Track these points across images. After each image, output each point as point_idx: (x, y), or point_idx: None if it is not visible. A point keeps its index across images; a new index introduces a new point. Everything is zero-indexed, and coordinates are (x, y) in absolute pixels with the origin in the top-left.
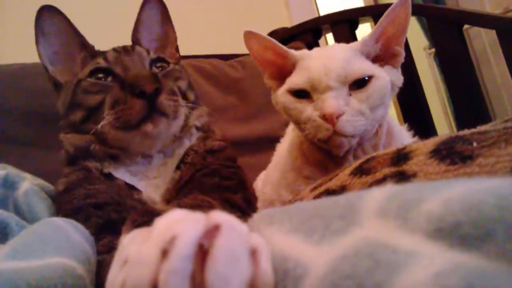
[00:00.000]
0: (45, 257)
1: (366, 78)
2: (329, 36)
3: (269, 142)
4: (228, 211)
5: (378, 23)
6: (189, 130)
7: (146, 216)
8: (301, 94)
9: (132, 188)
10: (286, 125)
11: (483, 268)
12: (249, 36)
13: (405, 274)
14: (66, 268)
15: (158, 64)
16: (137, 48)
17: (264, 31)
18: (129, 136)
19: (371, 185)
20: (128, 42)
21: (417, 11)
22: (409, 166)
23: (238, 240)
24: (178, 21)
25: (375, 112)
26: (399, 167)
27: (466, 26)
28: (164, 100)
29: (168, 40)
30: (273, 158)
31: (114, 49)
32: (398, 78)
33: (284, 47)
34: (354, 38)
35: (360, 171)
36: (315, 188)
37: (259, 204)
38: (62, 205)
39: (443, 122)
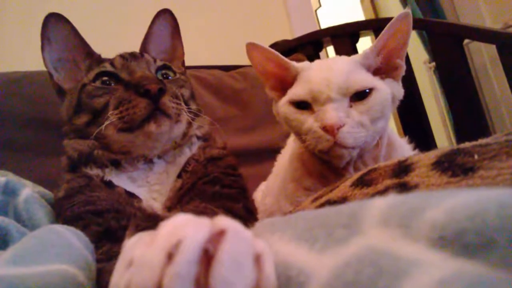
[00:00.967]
0: (46, 264)
1: (367, 90)
2: (330, 49)
3: (269, 153)
4: None
5: (380, 36)
6: (190, 139)
7: (150, 221)
8: (302, 105)
9: (132, 196)
10: (286, 136)
11: (486, 276)
12: (251, 47)
13: (408, 282)
14: (67, 275)
15: (164, 71)
16: (145, 55)
17: (265, 43)
18: (132, 137)
19: (373, 196)
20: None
21: (417, 25)
22: (411, 178)
23: (243, 246)
24: (181, 32)
25: (375, 124)
26: (400, 178)
27: (466, 41)
28: (167, 101)
29: (175, 54)
30: (274, 169)
31: (121, 55)
32: (398, 91)
33: (286, 59)
34: (355, 51)
35: (361, 182)
36: (316, 199)
37: (259, 215)
38: (62, 211)
39: (443, 136)
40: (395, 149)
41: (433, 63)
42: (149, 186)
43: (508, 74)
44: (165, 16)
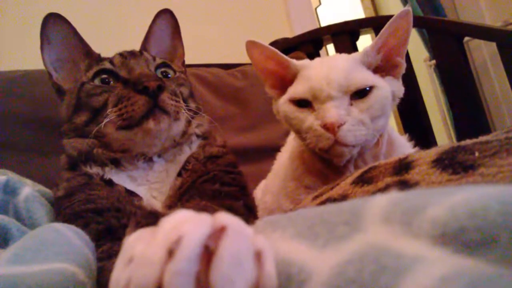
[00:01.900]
0: (46, 262)
1: (367, 88)
2: (330, 47)
3: (269, 151)
4: None
5: (380, 34)
6: (190, 138)
7: (150, 218)
8: (302, 103)
9: (132, 194)
10: (286, 134)
11: (488, 273)
12: (251, 45)
13: (410, 279)
14: (67, 274)
15: (163, 69)
16: (145, 53)
17: (265, 41)
18: (131, 134)
19: (373, 194)
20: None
21: (417, 23)
22: (411, 176)
23: (243, 242)
24: (181, 30)
25: (376, 122)
26: (401, 176)
27: (466, 38)
28: (166, 98)
29: (175, 54)
30: (274, 167)
31: (120, 54)
32: (399, 88)
33: (286, 57)
34: (355, 49)
35: (362, 180)
36: (317, 197)
37: (259, 213)
38: (62, 210)
39: (443, 133)
40: (395, 147)
41: (433, 61)
42: (149, 185)
43: (508, 72)
44: (166, 16)
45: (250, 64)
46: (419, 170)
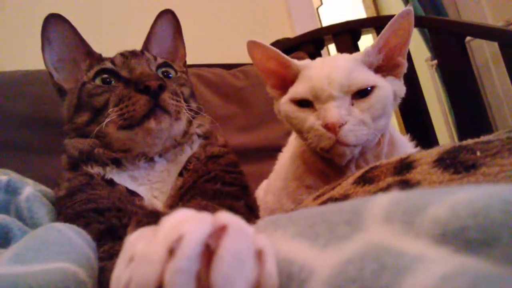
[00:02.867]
0: (48, 262)
1: (369, 88)
2: (331, 47)
3: (271, 151)
4: None
5: (381, 34)
6: (191, 138)
7: (151, 217)
8: (303, 103)
9: (133, 194)
10: (288, 134)
11: (489, 272)
12: (252, 45)
13: (411, 278)
14: (69, 273)
15: (164, 69)
16: (146, 53)
17: (267, 41)
18: (132, 134)
19: (374, 194)
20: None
21: (419, 23)
22: (413, 175)
23: (244, 241)
24: (182, 30)
25: (377, 122)
26: (402, 176)
27: (468, 38)
28: (167, 98)
29: (177, 55)
30: (275, 167)
31: (121, 54)
32: (400, 88)
33: (287, 57)
34: (356, 49)
35: (363, 180)
36: (318, 196)
37: (261, 213)
38: (63, 209)
39: (445, 133)
40: (397, 147)
41: (435, 61)
42: (150, 185)
43: (510, 71)
44: (167, 16)
45: (251, 64)
46: (421, 170)
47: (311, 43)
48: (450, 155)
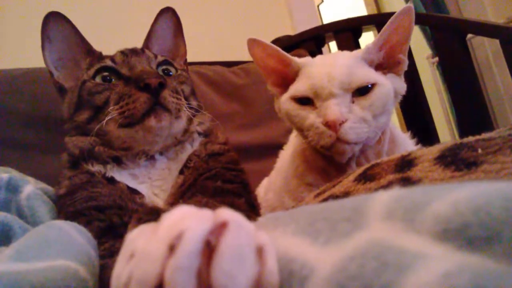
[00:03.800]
0: (49, 260)
1: (369, 85)
2: (332, 44)
3: (271, 149)
4: None
5: (382, 31)
6: (191, 136)
7: (152, 214)
8: (304, 101)
9: (134, 192)
10: (289, 132)
11: (491, 269)
12: (252, 43)
13: (412, 275)
14: (69, 271)
15: (164, 67)
16: (146, 51)
17: (267, 39)
18: (132, 132)
19: (376, 191)
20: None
21: (420, 20)
22: (414, 173)
23: (245, 238)
24: (183, 28)
25: (378, 119)
26: (403, 173)
27: (469, 36)
28: (167, 95)
29: (177, 53)
30: (276, 165)
31: (122, 52)
32: (401, 86)
33: (287, 55)
34: (357, 46)
35: (364, 177)
36: (319, 194)
37: (262, 211)
38: (64, 207)
39: (446, 130)
40: (397, 144)
41: (436, 58)
42: (151, 182)
43: (511, 69)
44: (168, 14)
45: (252, 61)
46: (422, 167)
47: (311, 41)
48: (451, 153)
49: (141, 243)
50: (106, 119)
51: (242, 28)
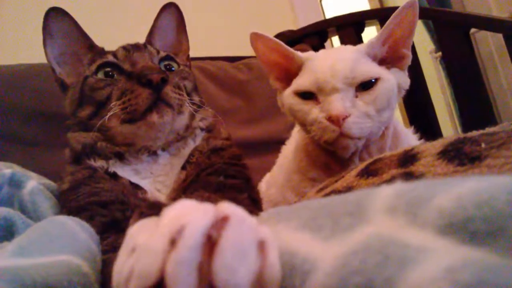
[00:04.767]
0: (51, 255)
1: (373, 80)
2: (335, 39)
3: (274, 144)
4: None
5: (385, 25)
6: (194, 131)
7: (154, 209)
8: (307, 95)
9: (136, 187)
10: (291, 127)
11: (495, 264)
12: (255, 37)
13: (415, 269)
14: (72, 266)
15: (167, 62)
16: (148, 46)
17: (270, 34)
18: (135, 128)
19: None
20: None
21: (423, 14)
22: (417, 167)
23: (246, 232)
24: (186, 23)
25: (381, 114)
26: (406, 168)
27: (472, 30)
28: (169, 91)
29: (180, 48)
30: (278, 160)
31: (124, 47)
32: (404, 80)
33: (290, 49)
34: (360, 41)
35: (367, 172)
36: (321, 189)
37: (264, 206)
38: (67, 203)
39: (449, 125)
40: (400, 139)
41: (439, 53)
42: (153, 178)
43: None
44: (171, 10)
45: (254, 57)
46: (425, 162)
47: (314, 36)
48: (455, 147)
49: (143, 237)
50: (108, 115)
51: (245, 23)
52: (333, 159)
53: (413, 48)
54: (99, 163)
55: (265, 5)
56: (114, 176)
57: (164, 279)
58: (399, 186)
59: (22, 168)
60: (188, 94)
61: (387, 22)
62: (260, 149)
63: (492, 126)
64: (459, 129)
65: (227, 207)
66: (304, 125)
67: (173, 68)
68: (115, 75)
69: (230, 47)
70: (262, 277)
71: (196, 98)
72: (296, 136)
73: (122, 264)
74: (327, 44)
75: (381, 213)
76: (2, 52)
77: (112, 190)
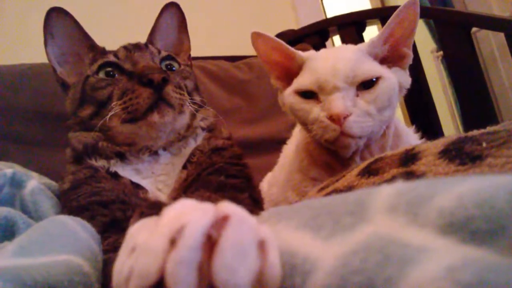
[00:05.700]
0: (52, 254)
1: (374, 79)
2: (336, 39)
3: (275, 144)
4: None
5: (386, 25)
6: (195, 131)
7: (154, 208)
8: (308, 94)
9: (138, 187)
10: (292, 126)
11: (495, 263)
12: (256, 37)
13: (416, 269)
14: (73, 266)
15: (168, 62)
16: (149, 46)
17: (271, 33)
18: (136, 128)
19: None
20: None
21: (424, 13)
22: (418, 167)
23: (246, 232)
24: (187, 22)
25: (382, 113)
26: (407, 167)
27: (474, 29)
28: (170, 91)
29: (181, 48)
30: (280, 160)
31: (125, 47)
32: (405, 79)
33: (291, 48)
34: (361, 40)
35: (368, 171)
36: (322, 188)
37: (265, 206)
38: (68, 202)
39: (450, 125)
40: (402, 139)
41: (441, 52)
42: (154, 177)
43: None
44: (172, 9)
45: (255, 56)
46: (426, 161)
47: (315, 35)
48: (456, 146)
49: (143, 237)
50: (109, 114)
51: (246, 23)
52: (334, 158)
53: (414, 47)
54: (100, 163)
55: (266, 4)
56: (115, 175)
57: (164, 278)
58: (400, 185)
59: (23, 168)
60: (189, 94)
61: (388, 21)
62: (261, 149)
63: (494, 125)
64: (461, 128)
65: (227, 207)
66: (305, 124)
67: (174, 68)
68: (116, 74)
69: (231, 47)
70: (262, 277)
71: (197, 98)
72: (297, 136)
73: (122, 264)
74: (328, 43)
75: (381, 212)
76: (2, 52)
77: (113, 189)
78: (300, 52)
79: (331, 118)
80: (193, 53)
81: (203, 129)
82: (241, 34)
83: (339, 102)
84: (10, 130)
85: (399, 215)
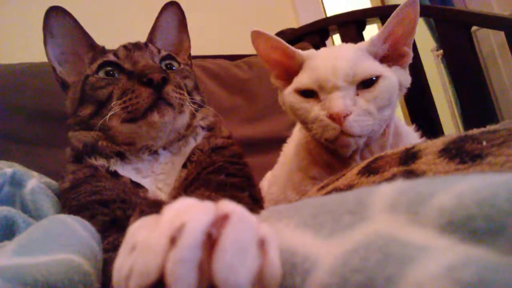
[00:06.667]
0: (52, 253)
1: (374, 78)
2: (336, 37)
3: (275, 143)
4: None
5: (386, 23)
6: (195, 130)
7: (154, 207)
8: (308, 93)
9: (138, 186)
10: (292, 125)
11: (496, 262)
12: (256, 35)
13: (416, 268)
14: (73, 265)
15: (167, 62)
16: (149, 45)
17: (271, 32)
18: (135, 127)
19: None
20: None
21: (425, 12)
22: (418, 165)
23: (247, 230)
24: (187, 21)
25: (382, 112)
26: (407, 166)
27: (474, 28)
28: (170, 91)
29: (181, 47)
30: (280, 159)
31: (125, 46)
32: (405, 78)
33: (291, 47)
34: (361, 39)
35: (368, 170)
36: (322, 187)
37: (265, 205)
38: (68, 201)
39: (450, 123)
40: (402, 137)
41: (441, 51)
42: (154, 176)
43: None
44: (172, 8)
45: (255, 55)
46: (426, 160)
47: (315, 34)
48: (456, 145)
49: (143, 235)
50: (109, 114)
51: (246, 21)
52: (334, 157)
53: (414, 46)
54: (100, 162)
55: (266, 3)
56: (115, 175)
57: (164, 277)
58: (400, 184)
59: (23, 167)
60: (189, 93)
61: (388, 20)
62: (261, 148)
63: (494, 124)
64: (461, 127)
65: (227, 205)
66: (305, 123)
67: (174, 67)
68: (116, 74)
69: (231, 46)
70: (262, 276)
71: (197, 97)
72: (297, 135)
73: (122, 262)
74: (328, 42)
75: (381, 211)
76: (2, 52)
77: (113, 189)
78: (300, 51)
79: (331, 117)
80: (193, 52)
81: (203, 128)
82: (241, 33)
83: (339, 101)
84: (10, 129)
85: (399, 214)
